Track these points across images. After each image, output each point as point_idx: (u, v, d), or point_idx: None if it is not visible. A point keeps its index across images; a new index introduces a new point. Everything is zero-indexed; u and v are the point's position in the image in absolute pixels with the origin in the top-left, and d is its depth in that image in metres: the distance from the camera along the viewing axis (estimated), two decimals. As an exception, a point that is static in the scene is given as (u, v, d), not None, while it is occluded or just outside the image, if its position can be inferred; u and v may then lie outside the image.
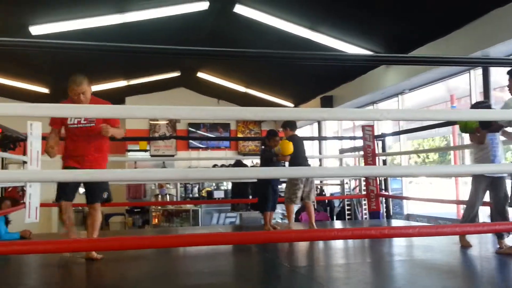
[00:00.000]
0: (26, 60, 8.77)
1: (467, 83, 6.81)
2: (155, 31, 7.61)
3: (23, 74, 9.90)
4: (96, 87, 10.73)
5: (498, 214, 4.04)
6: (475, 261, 4.04)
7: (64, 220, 4.09)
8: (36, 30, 6.89)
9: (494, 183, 4.05)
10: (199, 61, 10.34)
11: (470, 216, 4.06)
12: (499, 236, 4.10)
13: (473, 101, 6.31)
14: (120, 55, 8.44)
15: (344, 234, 3.18)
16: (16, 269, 3.89)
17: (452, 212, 7.69)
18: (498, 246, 4.08)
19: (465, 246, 4.24)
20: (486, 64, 4.99)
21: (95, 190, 4.11)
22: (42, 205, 5.82)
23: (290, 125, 5.69)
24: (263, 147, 5.80)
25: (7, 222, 5.51)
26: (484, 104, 4.28)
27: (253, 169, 6.15)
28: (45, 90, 10.59)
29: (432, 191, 9.70)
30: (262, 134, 13.22)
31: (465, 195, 7.76)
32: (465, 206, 4.30)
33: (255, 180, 7.19)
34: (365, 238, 4.64)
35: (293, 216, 5.84)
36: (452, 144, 7.80)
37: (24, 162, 6.07)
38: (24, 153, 6.07)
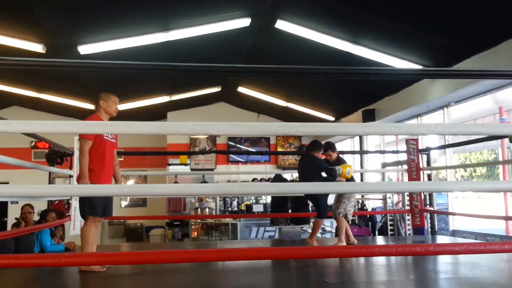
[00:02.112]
0: (76, 78, 9.16)
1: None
2: (197, 48, 7.77)
3: (72, 91, 10.34)
4: (139, 103, 11.08)
5: None
6: None
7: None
8: (84, 49, 7.19)
9: None
10: (239, 76, 10.47)
11: None
12: None
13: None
14: (163, 74, 8.70)
15: (387, 250, 3.08)
16: (62, 280, 3.99)
17: (501, 228, 7.34)
18: None
19: None
20: None
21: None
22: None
23: (332, 147, 5.67)
24: (323, 158, 5.67)
25: (52, 234, 5.68)
26: None
27: (294, 184, 6.08)
28: (92, 107, 11.00)
29: (480, 206, 9.30)
30: (301, 148, 13.16)
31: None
32: None
33: (297, 195, 7.18)
34: (410, 255, 4.49)
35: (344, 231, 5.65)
36: (500, 158, 7.47)
37: (70, 176, 6.27)
38: (71, 168, 6.29)
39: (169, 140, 12.75)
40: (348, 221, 5.59)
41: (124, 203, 13.00)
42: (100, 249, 5.30)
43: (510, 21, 5.51)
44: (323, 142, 5.77)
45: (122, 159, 12.40)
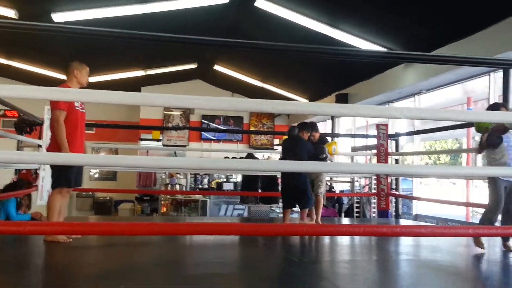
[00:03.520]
0: (44, 46, 8.90)
1: (485, 86, 6.74)
2: (175, 23, 7.66)
3: (44, 59, 10.06)
4: (112, 76, 10.89)
5: (507, 220, 4.03)
6: (483, 263, 4.00)
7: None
8: (58, 17, 6.98)
9: (509, 188, 4.03)
10: (215, 53, 10.40)
11: (490, 219, 4.01)
12: (504, 238, 4.11)
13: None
14: (139, 44, 8.53)
15: (356, 230, 3.18)
16: (27, 249, 3.95)
17: (461, 214, 7.65)
18: (504, 247, 4.10)
19: (478, 246, 4.16)
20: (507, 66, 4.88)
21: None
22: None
23: (315, 127, 5.74)
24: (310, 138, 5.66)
25: (19, 205, 5.60)
26: (502, 106, 4.24)
27: (265, 162, 6.14)
28: (62, 77, 10.74)
29: (442, 194, 9.64)
30: (274, 128, 13.26)
31: (475, 198, 7.76)
32: (483, 209, 4.27)
33: (266, 174, 7.27)
34: (377, 236, 4.64)
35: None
36: (465, 147, 7.73)
37: (39, 146, 6.16)
38: (40, 137, 6.18)
39: (142, 114, 12.62)
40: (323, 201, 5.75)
41: (94, 176, 12.85)
42: (67, 220, 5.26)
43: (484, 11, 5.64)
44: (308, 120, 5.88)
45: (93, 131, 12.23)
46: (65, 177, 4.01)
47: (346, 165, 5.29)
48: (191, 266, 3.58)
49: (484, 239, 4.20)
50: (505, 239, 4.15)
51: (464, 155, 8.12)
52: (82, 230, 3.26)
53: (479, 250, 4.12)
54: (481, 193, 7.84)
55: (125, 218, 9.84)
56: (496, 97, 6.28)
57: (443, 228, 3.16)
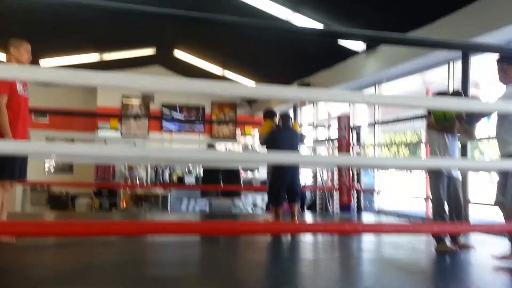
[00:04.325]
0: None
1: (443, 77, 6.77)
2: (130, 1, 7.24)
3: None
4: (64, 59, 10.33)
5: (454, 216, 4.02)
6: (443, 259, 3.96)
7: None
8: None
9: (449, 182, 4.03)
10: (176, 36, 10.05)
11: (438, 213, 4.00)
12: (454, 237, 4.10)
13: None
14: (93, 21, 8.08)
15: (317, 228, 3.08)
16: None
17: (422, 209, 7.74)
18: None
19: (445, 251, 4.11)
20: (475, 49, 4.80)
21: None
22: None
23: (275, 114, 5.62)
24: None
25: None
26: (459, 93, 4.22)
27: (222, 152, 5.90)
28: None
29: (403, 189, 9.76)
30: (236, 118, 13.05)
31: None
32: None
33: (227, 168, 7.10)
34: (339, 233, 4.58)
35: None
36: (423, 139, 7.79)
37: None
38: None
39: (99, 102, 12.13)
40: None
41: (49, 169, 12.31)
42: (14, 217, 4.95)
43: (442, 1, 5.59)
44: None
45: (46, 120, 11.67)
46: (8, 168, 3.71)
47: (310, 157, 5.17)
48: (151, 266, 3.44)
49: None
50: (454, 237, 4.11)
51: (423, 146, 8.19)
52: (28, 231, 2.96)
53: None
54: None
55: (82, 214, 9.48)
56: (455, 87, 6.30)
57: (407, 226, 3.10)
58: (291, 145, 5.13)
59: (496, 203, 3.62)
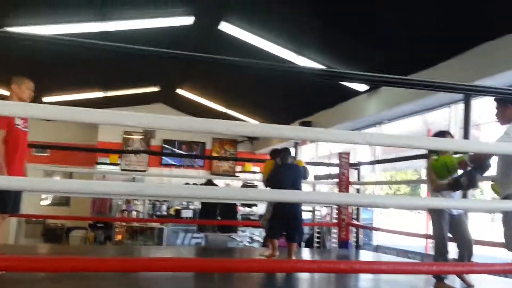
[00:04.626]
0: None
1: (445, 118, 6.81)
2: (136, 43, 7.40)
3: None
4: (68, 97, 10.47)
5: (462, 255, 3.92)
6: None
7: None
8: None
9: (453, 222, 3.94)
10: (180, 76, 10.22)
11: (439, 252, 3.89)
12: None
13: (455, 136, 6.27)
14: (99, 63, 8.26)
15: (311, 267, 2.97)
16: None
17: (421, 245, 7.59)
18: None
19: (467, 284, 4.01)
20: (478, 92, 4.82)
21: None
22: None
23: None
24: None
25: None
26: (447, 134, 4.15)
27: (216, 189, 5.81)
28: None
29: (402, 224, 9.63)
30: (237, 155, 13.06)
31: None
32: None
33: (225, 202, 7.02)
34: (334, 272, 4.43)
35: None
36: (424, 178, 7.74)
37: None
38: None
39: (100, 137, 12.18)
40: None
41: (45, 202, 12.19)
42: (5, 250, 4.84)
43: (444, 45, 5.69)
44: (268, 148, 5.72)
45: (47, 154, 11.68)
46: (1, 201, 3.66)
47: (308, 193, 5.09)
48: None
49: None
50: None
51: (424, 185, 8.11)
52: (16, 265, 2.87)
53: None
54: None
55: (75, 247, 9.29)
56: (456, 128, 6.32)
57: (405, 264, 2.98)
58: (292, 181, 5.07)
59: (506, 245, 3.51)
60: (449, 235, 3.97)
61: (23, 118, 3.88)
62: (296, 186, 5.02)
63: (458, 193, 3.99)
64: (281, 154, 5.35)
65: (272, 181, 5.24)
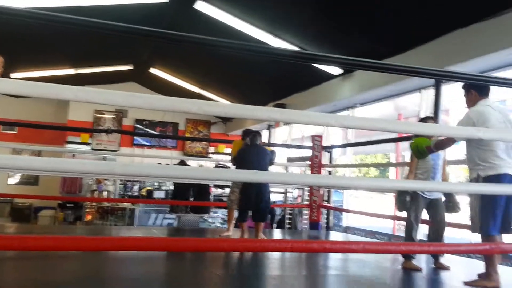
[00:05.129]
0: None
1: (415, 103, 6.95)
2: (109, 19, 7.22)
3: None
4: (37, 73, 10.16)
5: (433, 237, 4.04)
6: (412, 278, 3.95)
7: None
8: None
9: (430, 204, 4.05)
10: (153, 54, 10.05)
11: (409, 233, 4.00)
12: (435, 256, 4.12)
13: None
14: (70, 39, 8.03)
15: (284, 246, 3.00)
16: None
17: (389, 227, 7.82)
18: (435, 265, 4.10)
19: (411, 269, 4.05)
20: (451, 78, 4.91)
21: None
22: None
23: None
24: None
25: None
26: (430, 119, 4.28)
27: (188, 168, 5.82)
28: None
29: (370, 206, 9.86)
30: (210, 136, 13.02)
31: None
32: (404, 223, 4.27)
33: (198, 183, 7.02)
34: (308, 252, 4.51)
35: (232, 222, 5.61)
36: (393, 161, 7.93)
37: None
38: None
39: (70, 116, 11.91)
40: None
41: (13, 181, 11.91)
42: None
43: (418, 29, 5.77)
44: (241, 130, 5.74)
45: (15, 131, 11.38)
46: None
47: (281, 175, 5.14)
48: (114, 282, 3.28)
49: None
50: (435, 257, 4.15)
51: (392, 169, 8.31)
52: None
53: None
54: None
55: (44, 226, 9.15)
56: (427, 113, 6.46)
57: (375, 244, 3.06)
58: (259, 162, 5.14)
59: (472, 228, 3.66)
60: (423, 218, 4.09)
61: None
62: (262, 168, 5.08)
63: (438, 176, 4.09)
64: (251, 135, 5.39)
65: (239, 160, 5.33)
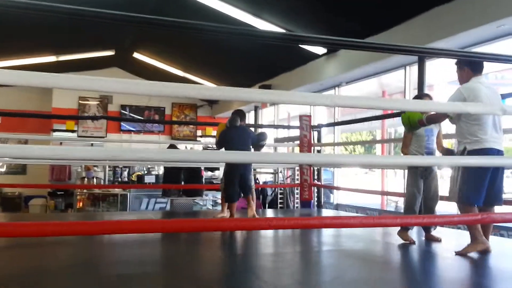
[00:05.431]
0: None
1: (399, 79, 7.08)
2: (89, 4, 7.14)
3: None
4: (22, 61, 10.00)
5: (426, 209, 4.17)
6: (407, 252, 4.04)
7: None
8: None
9: (426, 177, 4.18)
10: (135, 39, 9.96)
11: (411, 208, 4.11)
12: (426, 229, 4.27)
13: (407, 97, 6.55)
14: (50, 25, 7.92)
15: (284, 223, 3.11)
16: None
17: (377, 203, 8.04)
18: (426, 238, 4.26)
19: (405, 240, 4.18)
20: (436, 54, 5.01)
21: None
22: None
23: (244, 116, 5.69)
24: None
25: None
26: (426, 96, 4.38)
27: (185, 151, 5.92)
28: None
29: (357, 184, 10.08)
30: (197, 119, 13.05)
31: (389, 187, 8.18)
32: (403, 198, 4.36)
33: (190, 166, 7.10)
34: (307, 228, 4.63)
35: (226, 204, 5.72)
36: (379, 138, 8.10)
37: None
38: None
39: (54, 103, 11.79)
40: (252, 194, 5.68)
41: (-1, 170, 11.83)
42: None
43: (400, 7, 5.86)
44: (228, 112, 5.77)
45: (-1, 121, 11.25)
46: None
47: (276, 155, 5.25)
48: (109, 266, 3.33)
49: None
50: (427, 229, 4.28)
51: (378, 146, 8.49)
52: None
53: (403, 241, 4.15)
54: (394, 182, 8.31)
55: (36, 215, 9.15)
56: (411, 90, 6.61)
57: (372, 218, 3.18)
58: (241, 143, 5.23)
59: (450, 198, 3.84)
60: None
61: None
62: (244, 149, 5.18)
63: (432, 150, 4.19)
64: (230, 117, 5.49)
65: (220, 143, 5.44)
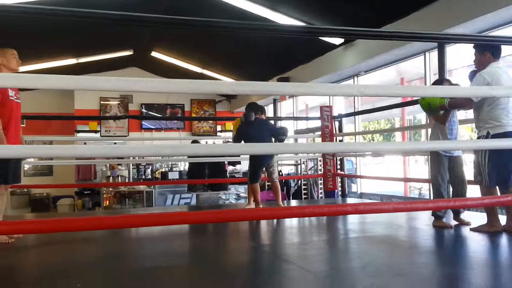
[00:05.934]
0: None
1: (417, 66, 7.05)
2: (106, 4, 7.26)
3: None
4: (40, 65, 10.22)
5: (456, 194, 4.18)
6: (434, 236, 4.04)
7: None
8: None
9: (451, 162, 4.19)
10: (153, 39, 10.10)
11: (440, 194, 4.13)
12: (456, 212, 4.31)
13: (428, 83, 6.54)
14: (70, 30, 8.09)
15: (320, 211, 3.18)
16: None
17: (400, 190, 8.06)
18: (455, 221, 4.28)
19: (442, 227, 4.18)
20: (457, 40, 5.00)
21: None
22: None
23: (263, 109, 5.76)
24: None
25: None
26: (446, 81, 4.40)
27: (207, 145, 6.00)
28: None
29: (379, 172, 10.10)
30: (216, 115, 13.18)
31: (412, 173, 8.18)
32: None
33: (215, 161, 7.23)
34: (341, 215, 4.71)
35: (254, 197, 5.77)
36: (398, 126, 8.08)
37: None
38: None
39: (76, 105, 12.03)
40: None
41: (27, 172, 12.12)
42: (6, 219, 4.93)
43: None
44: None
45: (24, 125, 11.49)
46: (2, 172, 3.72)
47: (303, 145, 5.35)
48: (136, 259, 3.44)
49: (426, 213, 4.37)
50: (456, 213, 4.30)
51: (397, 134, 8.49)
52: (23, 229, 2.99)
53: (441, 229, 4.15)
54: (416, 169, 8.32)
55: (65, 214, 9.41)
56: (431, 76, 6.59)
57: (404, 203, 3.24)
58: (258, 136, 5.24)
59: (475, 182, 3.88)
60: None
61: (14, 89, 3.88)
62: (262, 141, 5.19)
63: (455, 133, 4.22)
64: (245, 112, 5.53)
65: (237, 138, 5.51)
